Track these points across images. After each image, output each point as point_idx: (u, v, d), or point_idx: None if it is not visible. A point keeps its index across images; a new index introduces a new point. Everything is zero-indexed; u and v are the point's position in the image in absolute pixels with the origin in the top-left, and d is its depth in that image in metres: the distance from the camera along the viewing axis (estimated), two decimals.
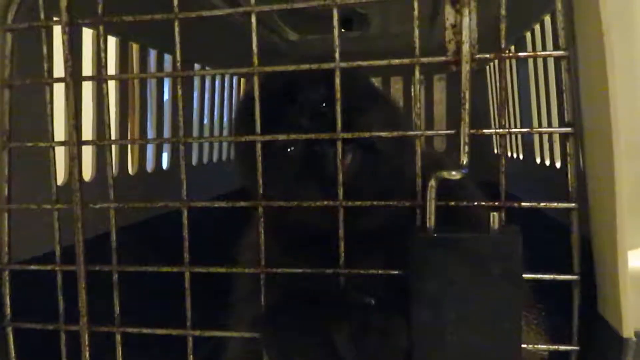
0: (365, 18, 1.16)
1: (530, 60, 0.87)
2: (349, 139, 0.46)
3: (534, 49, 0.82)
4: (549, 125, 0.84)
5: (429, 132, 0.44)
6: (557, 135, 0.80)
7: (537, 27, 0.86)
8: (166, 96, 1.14)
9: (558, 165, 0.81)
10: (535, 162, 0.96)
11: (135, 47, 0.96)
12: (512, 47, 1.13)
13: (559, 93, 0.76)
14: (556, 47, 0.66)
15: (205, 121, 1.28)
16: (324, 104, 0.50)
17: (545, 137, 0.87)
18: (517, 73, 1.06)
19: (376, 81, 1.85)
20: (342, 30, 1.21)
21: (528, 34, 0.90)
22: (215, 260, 0.56)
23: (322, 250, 0.52)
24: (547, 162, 0.87)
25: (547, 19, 0.79)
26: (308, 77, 0.50)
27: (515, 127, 1.16)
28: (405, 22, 1.30)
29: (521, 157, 1.11)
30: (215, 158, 1.31)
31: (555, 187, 0.85)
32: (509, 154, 1.28)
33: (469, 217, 0.52)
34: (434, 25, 1.21)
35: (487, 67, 1.41)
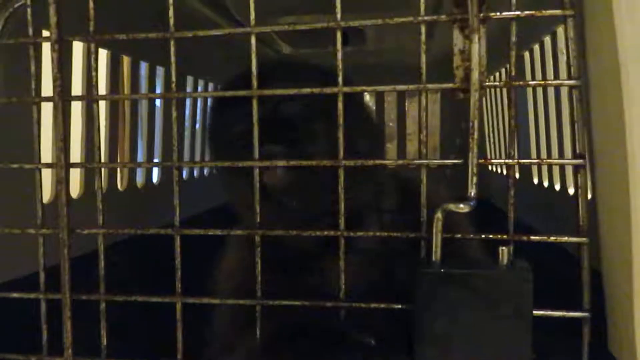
0: (361, 33, 1.14)
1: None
2: (283, 142, 0.48)
3: (533, 75, 0.81)
4: (548, 150, 0.83)
5: (436, 162, 0.43)
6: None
7: (536, 47, 0.85)
8: (158, 103, 1.12)
9: (557, 187, 0.80)
10: (533, 183, 0.94)
11: (126, 60, 0.94)
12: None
13: (559, 119, 0.75)
14: (556, 73, 0.65)
15: (197, 126, 1.26)
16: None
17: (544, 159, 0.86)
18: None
19: (369, 95, 1.84)
20: None
21: (526, 54, 0.89)
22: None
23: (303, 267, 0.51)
24: (546, 184, 0.86)
25: (547, 39, 0.78)
26: (277, 75, 0.50)
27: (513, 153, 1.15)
28: (400, 37, 1.29)
29: (517, 176, 1.10)
30: (206, 172, 1.29)
31: (554, 209, 0.83)
32: (505, 173, 1.27)
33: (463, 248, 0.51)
34: (431, 39, 1.21)
35: None
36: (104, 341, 0.47)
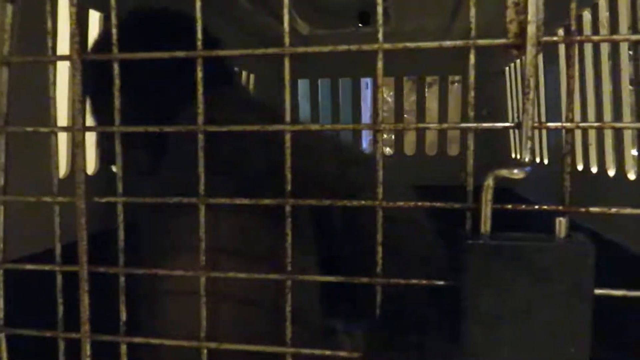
0: (385, 12, 1.11)
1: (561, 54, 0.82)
2: None
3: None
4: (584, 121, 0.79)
5: (485, 125, 0.39)
6: (594, 138, 0.76)
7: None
8: None
9: (594, 170, 0.76)
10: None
11: None
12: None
13: (598, 84, 0.71)
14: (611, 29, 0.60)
15: None
16: None
17: (579, 140, 0.82)
18: (543, 67, 1.01)
19: (388, 81, 1.79)
20: (360, 25, 1.16)
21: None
22: None
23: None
24: (580, 167, 0.82)
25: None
26: None
27: (541, 124, 1.11)
28: (424, 18, 1.25)
29: (545, 161, 1.06)
30: None
31: (586, 196, 0.79)
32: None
33: None
34: (454, 20, 1.17)
35: (507, 67, 1.37)
36: (124, 317, 0.44)
